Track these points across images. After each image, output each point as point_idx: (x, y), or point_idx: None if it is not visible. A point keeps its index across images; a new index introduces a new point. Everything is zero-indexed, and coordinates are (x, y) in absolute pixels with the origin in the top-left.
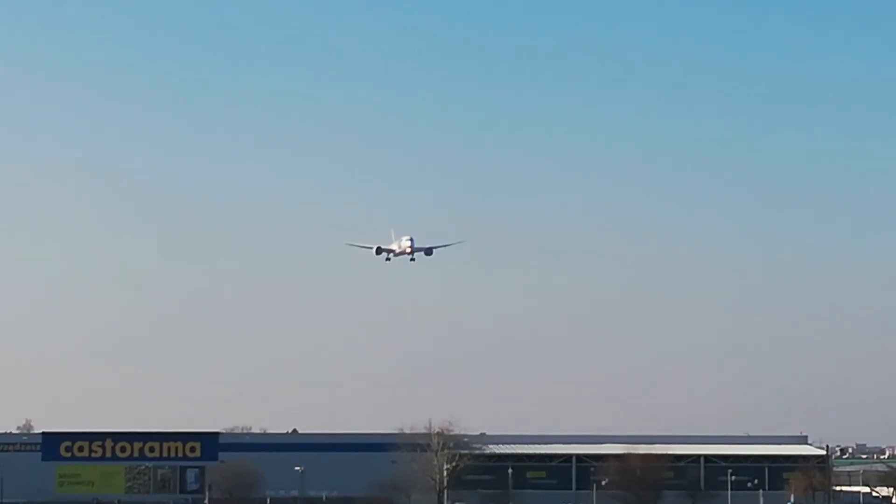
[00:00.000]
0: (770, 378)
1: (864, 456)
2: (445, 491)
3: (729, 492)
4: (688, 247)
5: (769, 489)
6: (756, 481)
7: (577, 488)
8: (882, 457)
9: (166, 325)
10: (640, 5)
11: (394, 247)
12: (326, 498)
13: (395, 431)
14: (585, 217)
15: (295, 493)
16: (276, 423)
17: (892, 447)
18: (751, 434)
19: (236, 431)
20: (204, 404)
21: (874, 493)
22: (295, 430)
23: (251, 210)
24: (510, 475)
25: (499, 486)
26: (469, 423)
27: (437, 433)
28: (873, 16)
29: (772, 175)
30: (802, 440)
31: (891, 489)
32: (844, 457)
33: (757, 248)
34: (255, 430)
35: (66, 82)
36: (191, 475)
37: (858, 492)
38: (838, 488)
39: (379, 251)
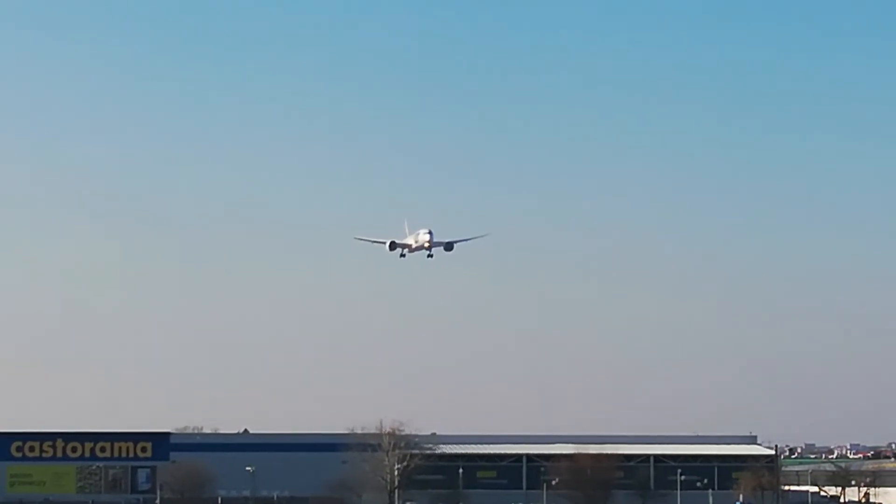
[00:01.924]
0: (720, 379)
1: (813, 456)
2: (396, 491)
3: (678, 491)
4: (642, 248)
5: (718, 489)
6: (705, 481)
7: (528, 488)
8: (830, 456)
9: (118, 326)
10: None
11: (409, 241)
12: (278, 498)
13: (347, 432)
14: (535, 217)
15: (246, 493)
16: (227, 423)
17: (841, 447)
18: (700, 434)
19: (188, 431)
20: (155, 404)
21: (822, 493)
22: (246, 431)
23: (243, 206)
24: (461, 475)
25: (449, 486)
26: (420, 423)
27: (388, 433)
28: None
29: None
30: (752, 440)
31: (839, 488)
32: (793, 456)
33: (703, 252)
34: (207, 430)
35: (62, 81)
36: (142, 475)
37: (807, 491)
38: (787, 488)
39: (393, 246)
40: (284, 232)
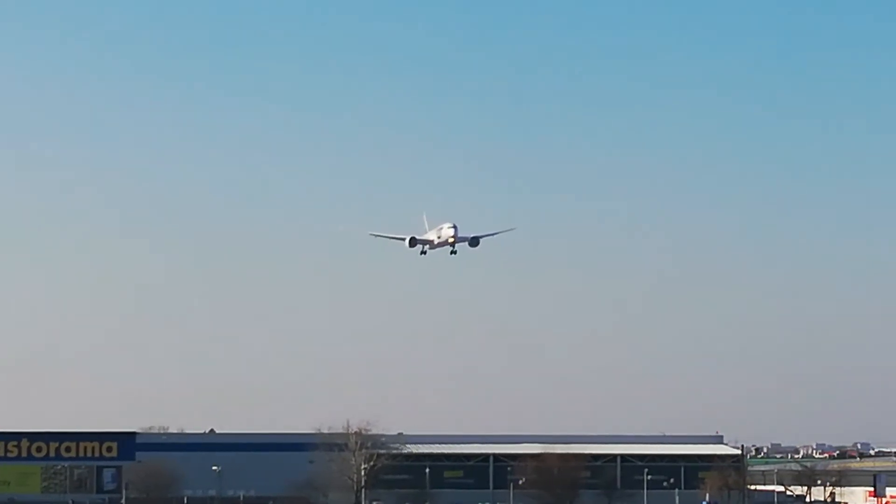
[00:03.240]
0: (686, 379)
1: (779, 455)
2: (363, 490)
3: (645, 491)
4: (608, 249)
5: (685, 488)
6: (672, 480)
7: (495, 487)
8: (796, 456)
9: (85, 326)
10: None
11: (431, 237)
12: (244, 497)
13: (313, 431)
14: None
15: (212, 492)
16: (193, 422)
17: (806, 447)
18: (667, 434)
19: (153, 431)
20: (121, 404)
21: (788, 492)
22: (212, 430)
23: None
24: (427, 475)
25: (416, 486)
26: (387, 422)
27: (355, 433)
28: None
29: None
30: (718, 440)
31: (804, 488)
32: (759, 456)
33: (668, 252)
34: (173, 429)
35: (69, 86)
36: (108, 475)
37: (773, 490)
38: (753, 487)
39: (413, 242)
40: (265, 228)
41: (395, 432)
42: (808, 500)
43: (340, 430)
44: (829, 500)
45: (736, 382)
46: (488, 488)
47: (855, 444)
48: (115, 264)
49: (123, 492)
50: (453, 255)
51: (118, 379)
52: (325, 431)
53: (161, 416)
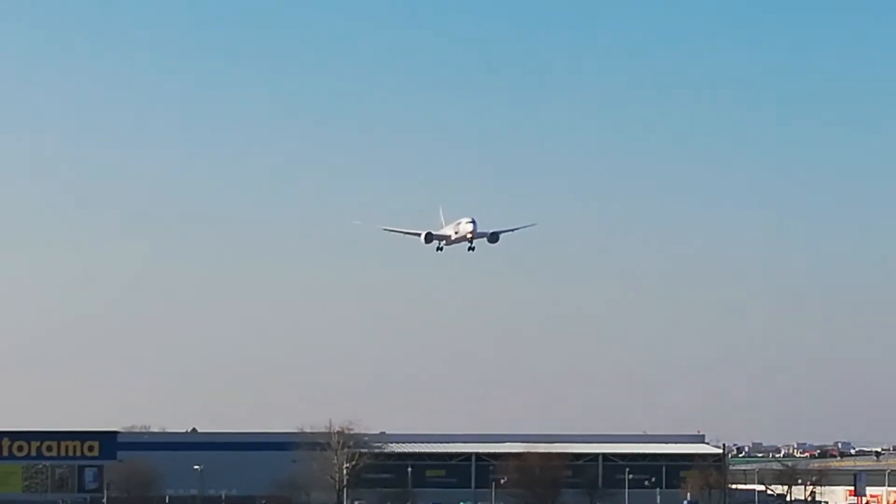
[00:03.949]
0: (668, 378)
1: (760, 455)
2: (345, 489)
3: (626, 490)
4: (579, 246)
5: (666, 487)
6: (653, 479)
7: (477, 487)
8: (777, 455)
9: (65, 324)
10: None
11: (449, 232)
12: (226, 497)
13: (295, 430)
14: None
15: (194, 491)
16: (175, 422)
17: (787, 446)
18: (648, 433)
19: (135, 430)
20: (102, 403)
21: (769, 491)
22: (194, 430)
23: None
24: (410, 474)
25: (398, 485)
26: (369, 422)
27: (337, 432)
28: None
29: None
30: (699, 439)
31: (785, 487)
32: (740, 455)
33: (653, 249)
34: (154, 429)
35: (63, 83)
36: (89, 474)
37: (754, 490)
38: (734, 486)
39: (429, 238)
40: (261, 225)
41: (377, 431)
42: (788, 499)
43: (323, 430)
44: (809, 499)
45: (717, 382)
46: (470, 487)
47: (835, 443)
48: (100, 262)
49: (105, 491)
50: (471, 251)
51: (100, 378)
52: (308, 431)
53: (143, 415)
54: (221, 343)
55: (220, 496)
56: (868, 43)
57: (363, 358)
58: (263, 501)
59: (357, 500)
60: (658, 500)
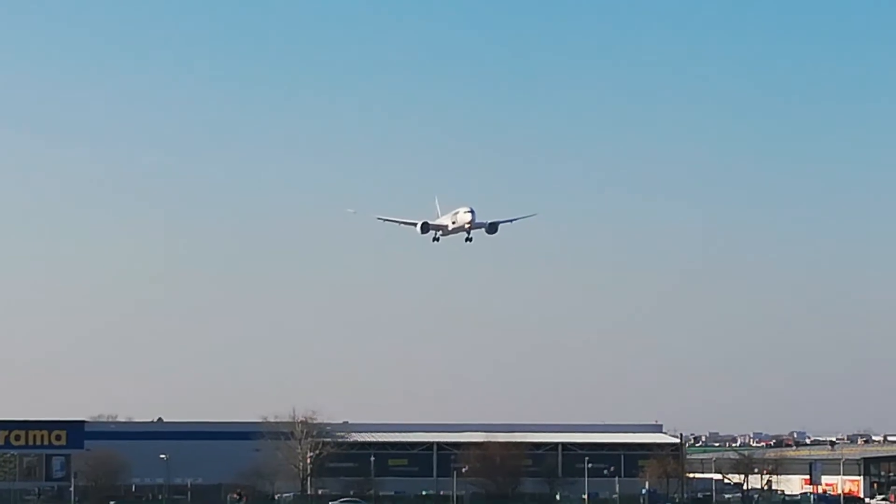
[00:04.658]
0: (626, 369)
1: (717, 444)
2: (309, 478)
3: (586, 478)
4: (543, 237)
5: (625, 476)
6: (612, 468)
7: (438, 475)
8: (734, 445)
9: (32, 313)
10: None
11: (446, 222)
12: (192, 485)
13: (259, 420)
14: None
15: (160, 480)
16: (141, 411)
17: (744, 435)
18: (607, 423)
19: (102, 420)
20: (69, 393)
21: (726, 480)
22: (160, 419)
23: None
24: (372, 463)
25: (361, 474)
26: (332, 411)
27: (301, 422)
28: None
29: None
30: (657, 429)
31: (742, 476)
32: (697, 445)
33: (608, 236)
34: (121, 418)
35: (75, 82)
36: (57, 463)
37: (711, 478)
38: (692, 475)
39: (426, 228)
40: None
41: (340, 421)
42: (745, 487)
43: (286, 419)
44: (765, 487)
45: (675, 373)
46: (432, 476)
47: (791, 433)
48: (67, 250)
49: (72, 479)
50: (468, 242)
51: (68, 368)
52: (272, 420)
53: (110, 404)
54: (187, 333)
55: (186, 485)
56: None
57: (327, 348)
58: (236, 495)
59: (320, 488)
60: (617, 489)
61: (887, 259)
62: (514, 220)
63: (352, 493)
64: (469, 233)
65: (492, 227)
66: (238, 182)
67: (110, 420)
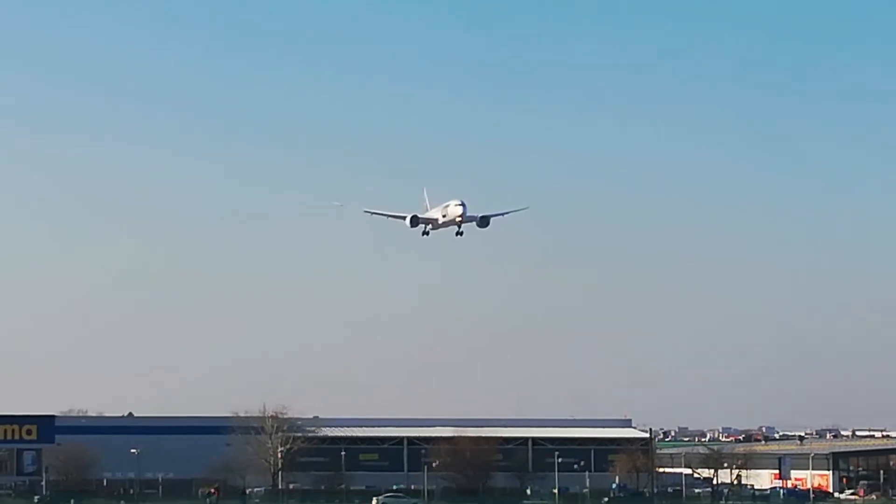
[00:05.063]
0: (596, 363)
1: (686, 439)
2: (280, 473)
3: (556, 473)
4: (508, 230)
5: (595, 470)
6: (582, 463)
7: (409, 470)
8: (703, 439)
9: (2, 309)
10: None
11: (436, 215)
12: (162, 480)
13: (230, 415)
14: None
15: (131, 475)
16: (112, 406)
17: (713, 430)
18: (577, 418)
19: (73, 414)
20: (40, 387)
21: (696, 475)
22: (131, 414)
23: None
24: (343, 457)
25: (332, 468)
26: (302, 406)
27: (271, 416)
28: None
29: None
30: (627, 423)
31: (711, 470)
32: (667, 439)
33: (586, 232)
34: (92, 413)
35: (75, 81)
36: (28, 457)
37: (681, 473)
38: (661, 469)
39: (415, 222)
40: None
41: (310, 416)
42: (714, 482)
43: (257, 414)
44: (735, 482)
45: (644, 367)
46: (403, 471)
47: (760, 427)
48: (38, 247)
49: (44, 474)
50: (459, 236)
51: (38, 362)
52: (242, 415)
53: (80, 399)
54: (157, 327)
55: (157, 479)
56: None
57: (298, 343)
58: (212, 490)
59: (291, 483)
60: (587, 483)
61: (858, 256)
62: (506, 213)
63: (323, 487)
64: (460, 226)
65: (483, 221)
66: (227, 177)
67: (81, 415)
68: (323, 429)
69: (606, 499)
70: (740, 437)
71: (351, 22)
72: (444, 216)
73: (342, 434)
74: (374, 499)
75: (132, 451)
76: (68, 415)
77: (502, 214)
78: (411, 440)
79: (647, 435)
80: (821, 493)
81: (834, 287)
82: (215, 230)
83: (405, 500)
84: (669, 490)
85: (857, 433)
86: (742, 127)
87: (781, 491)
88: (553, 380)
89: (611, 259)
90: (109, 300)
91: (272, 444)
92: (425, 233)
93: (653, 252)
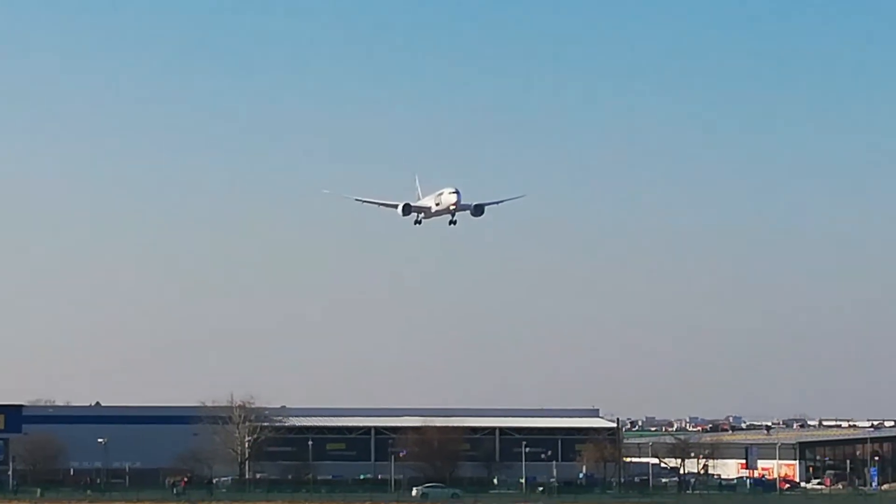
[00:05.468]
0: (563, 353)
1: (654, 428)
2: (247, 462)
3: (523, 463)
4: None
5: (562, 460)
6: (549, 452)
7: (376, 460)
8: (670, 429)
9: None
10: None
11: (429, 203)
12: (130, 469)
13: (197, 404)
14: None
15: (98, 464)
16: (79, 395)
17: (680, 420)
18: (545, 408)
19: (40, 404)
20: (7, 377)
21: (663, 464)
22: (98, 403)
23: None
24: (310, 447)
25: (299, 458)
26: (270, 396)
27: (239, 406)
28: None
29: None
30: (594, 413)
31: (678, 460)
32: (634, 429)
33: (547, 223)
34: (59, 402)
35: (75, 81)
36: None
37: (648, 462)
38: (628, 459)
39: (408, 210)
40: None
41: (278, 405)
42: (681, 471)
43: (224, 404)
44: (702, 471)
45: (612, 357)
46: (370, 460)
47: (727, 417)
48: (2, 234)
49: (11, 464)
50: (453, 225)
51: (5, 352)
52: (210, 405)
53: (47, 389)
54: (125, 317)
55: (125, 469)
56: None
57: (265, 333)
58: (182, 479)
59: (259, 472)
60: (554, 473)
61: (823, 246)
62: (502, 201)
63: (290, 476)
64: (454, 215)
65: (477, 209)
66: (205, 164)
67: (48, 404)
68: (290, 418)
69: (541, 487)
70: (707, 427)
71: (339, 7)
72: (437, 204)
73: (309, 424)
74: (415, 489)
75: (99, 440)
76: (36, 404)
77: (497, 203)
78: (379, 430)
79: (615, 425)
80: (788, 483)
81: (801, 278)
82: (187, 218)
83: (445, 490)
84: (636, 480)
85: (824, 423)
86: (740, 111)
87: (748, 481)
88: (521, 370)
89: (578, 251)
90: (77, 290)
91: (239, 433)
92: (418, 221)
93: (619, 243)
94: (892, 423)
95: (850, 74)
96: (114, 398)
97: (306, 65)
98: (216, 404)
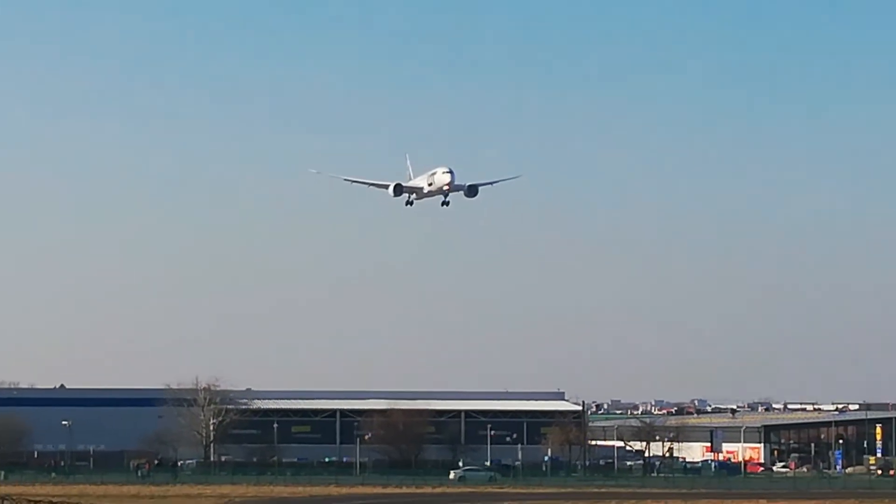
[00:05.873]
0: (529, 336)
1: (619, 411)
2: (212, 445)
3: (489, 446)
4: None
5: (528, 443)
6: (515, 435)
7: (342, 442)
8: (635, 412)
9: None
10: None
11: (421, 184)
12: (94, 451)
13: (162, 387)
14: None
15: (63, 446)
16: (43, 378)
17: (645, 403)
18: (510, 391)
19: (4, 386)
20: None
21: (628, 447)
22: (62, 385)
23: None
24: (276, 430)
25: (264, 440)
26: (235, 378)
27: (204, 389)
28: None
29: None
30: (559, 396)
31: (644, 443)
32: (600, 412)
33: (510, 207)
34: (23, 384)
35: (75, 81)
36: None
37: (613, 445)
38: (594, 442)
39: (399, 191)
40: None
41: (243, 388)
42: (647, 454)
43: (189, 386)
44: (667, 454)
45: (577, 340)
46: (335, 443)
47: (692, 400)
48: None
49: None
50: (445, 206)
51: None
52: (175, 387)
53: (11, 371)
54: (89, 298)
55: (89, 451)
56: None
57: (230, 314)
58: (146, 465)
59: (224, 455)
60: (520, 456)
61: (791, 228)
62: (497, 182)
63: (255, 459)
64: (447, 196)
65: (471, 190)
66: (186, 146)
67: (12, 386)
68: (255, 401)
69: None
70: (672, 410)
71: None
72: (430, 185)
73: (274, 406)
74: (452, 472)
75: (64, 422)
76: (0, 387)
77: (491, 183)
78: (344, 412)
79: (580, 408)
80: (753, 466)
81: (767, 260)
82: (154, 196)
83: (483, 473)
84: (601, 462)
85: (789, 406)
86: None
87: (713, 464)
88: (486, 353)
89: (541, 234)
90: (41, 272)
91: (204, 416)
92: (409, 202)
93: (580, 226)
94: (857, 407)
95: (850, 74)
96: (78, 380)
97: (298, 46)
98: (181, 387)
